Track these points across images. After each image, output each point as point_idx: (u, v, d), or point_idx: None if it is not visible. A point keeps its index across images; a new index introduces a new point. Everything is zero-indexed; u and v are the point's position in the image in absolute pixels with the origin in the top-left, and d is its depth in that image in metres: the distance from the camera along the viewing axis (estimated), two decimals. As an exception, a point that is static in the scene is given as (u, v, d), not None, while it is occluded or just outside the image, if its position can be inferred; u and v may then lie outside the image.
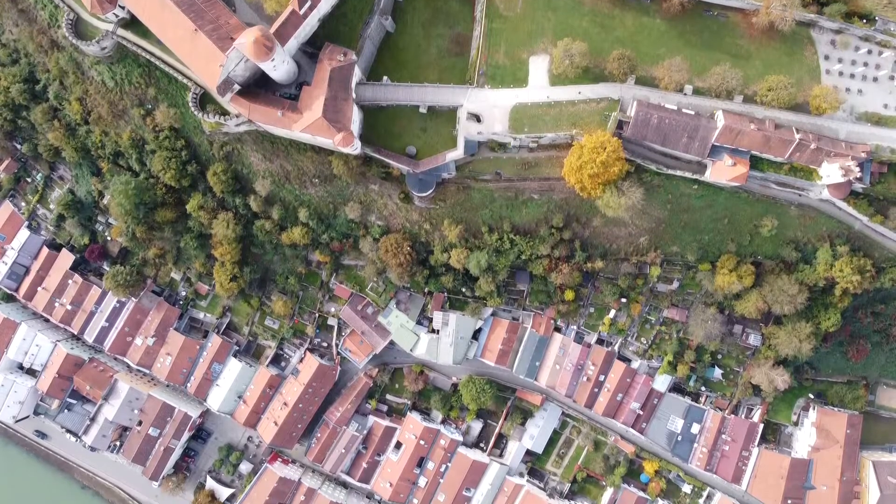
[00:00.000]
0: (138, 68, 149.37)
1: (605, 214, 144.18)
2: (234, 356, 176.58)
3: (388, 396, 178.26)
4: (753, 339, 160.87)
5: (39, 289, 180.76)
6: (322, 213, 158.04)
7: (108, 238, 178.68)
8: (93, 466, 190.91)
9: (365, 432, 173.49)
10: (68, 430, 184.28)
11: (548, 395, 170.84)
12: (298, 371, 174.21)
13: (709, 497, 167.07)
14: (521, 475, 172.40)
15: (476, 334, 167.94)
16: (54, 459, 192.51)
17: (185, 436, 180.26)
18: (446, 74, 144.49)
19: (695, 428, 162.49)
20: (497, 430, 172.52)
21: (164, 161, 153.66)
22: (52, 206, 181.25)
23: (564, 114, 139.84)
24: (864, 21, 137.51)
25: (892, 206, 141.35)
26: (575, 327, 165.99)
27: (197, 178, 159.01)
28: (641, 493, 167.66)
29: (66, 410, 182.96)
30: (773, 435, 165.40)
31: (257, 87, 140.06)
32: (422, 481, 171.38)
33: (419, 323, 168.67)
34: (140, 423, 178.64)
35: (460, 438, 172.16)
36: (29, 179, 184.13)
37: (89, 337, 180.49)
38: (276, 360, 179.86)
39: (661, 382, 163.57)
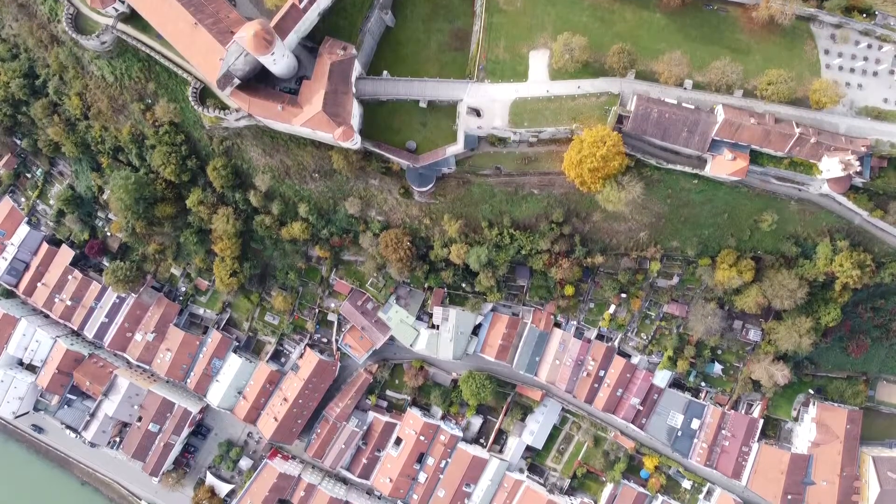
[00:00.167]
0: (138, 63, 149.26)
1: (605, 209, 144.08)
2: (234, 352, 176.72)
3: (388, 392, 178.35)
4: (753, 335, 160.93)
5: (39, 284, 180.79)
6: (322, 208, 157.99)
7: (108, 234, 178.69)
8: (92, 462, 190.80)
9: (365, 428, 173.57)
10: (68, 426, 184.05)
11: (548, 390, 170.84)
12: (298, 367, 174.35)
13: (709, 493, 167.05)
14: (521, 471, 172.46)
15: (476, 330, 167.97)
16: (54, 455, 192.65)
17: (185, 431, 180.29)
18: (446, 69, 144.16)
19: (695, 423, 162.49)
20: (497, 426, 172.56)
21: (164, 156, 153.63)
22: (51, 202, 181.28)
23: (564, 108, 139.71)
24: (864, 15, 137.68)
25: (892, 201, 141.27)
26: (575, 322, 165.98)
27: (197, 174, 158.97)
28: (641, 489, 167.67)
29: (65, 406, 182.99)
30: (773, 430, 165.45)
31: (257, 81, 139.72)
32: (422, 477, 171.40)
33: (419, 318, 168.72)
34: (140, 418, 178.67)
35: (460, 434, 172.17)
36: (29, 175, 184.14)
37: (89, 333, 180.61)
38: (276, 355, 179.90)
39: (661, 378, 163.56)
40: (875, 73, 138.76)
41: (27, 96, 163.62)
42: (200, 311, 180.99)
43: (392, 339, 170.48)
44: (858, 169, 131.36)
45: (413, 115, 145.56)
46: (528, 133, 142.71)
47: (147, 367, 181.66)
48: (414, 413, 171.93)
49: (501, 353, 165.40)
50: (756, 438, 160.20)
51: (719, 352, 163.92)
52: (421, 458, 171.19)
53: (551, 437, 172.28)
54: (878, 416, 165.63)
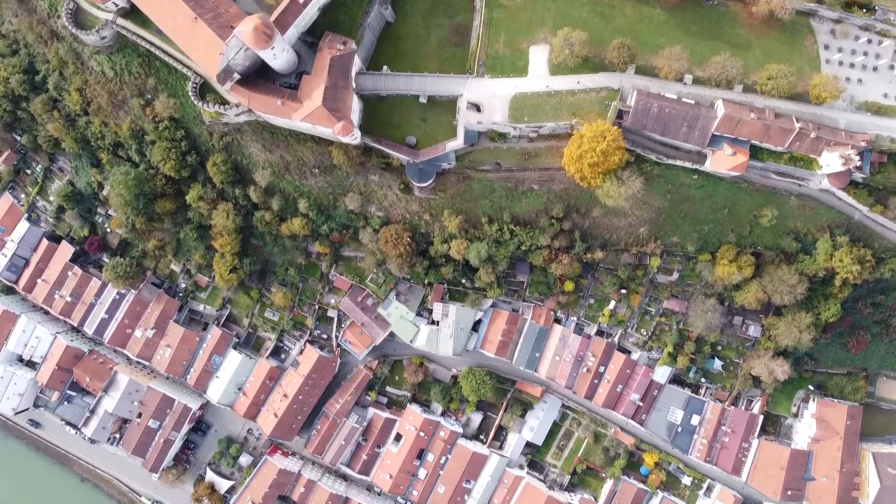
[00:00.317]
0: (138, 58, 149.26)
1: (604, 205, 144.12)
2: (234, 348, 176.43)
3: (388, 388, 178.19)
4: (753, 331, 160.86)
5: (39, 281, 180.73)
6: (322, 203, 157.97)
7: (108, 230, 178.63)
8: (92, 459, 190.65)
9: (365, 424, 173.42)
10: (68, 423, 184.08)
11: (548, 386, 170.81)
12: (298, 363, 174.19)
13: (709, 489, 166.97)
14: (521, 467, 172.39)
15: (476, 326, 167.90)
16: (54, 452, 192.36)
17: (185, 428, 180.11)
18: (446, 64, 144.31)
19: (695, 419, 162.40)
20: (497, 422, 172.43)
21: (164, 152, 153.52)
22: (51, 198, 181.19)
23: (564, 103, 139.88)
24: (864, 10, 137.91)
25: (892, 196, 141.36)
26: (575, 318, 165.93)
27: (196, 169, 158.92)
28: (641, 485, 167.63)
29: (65, 402, 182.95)
30: (773, 426, 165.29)
31: (257, 76, 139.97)
32: (422, 473, 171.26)
33: (419, 314, 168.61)
34: (140, 415, 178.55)
35: (460, 430, 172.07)
36: (28, 171, 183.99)
37: (89, 329, 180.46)
38: (276, 351, 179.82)
39: (661, 374, 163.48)
40: (875, 69, 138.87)
41: (27, 92, 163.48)
42: (200, 308, 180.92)
43: (392, 335, 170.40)
44: (858, 164, 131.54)
45: (413, 110, 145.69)
46: (528, 128, 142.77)
47: (147, 364, 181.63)
48: (414, 409, 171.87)
49: (501, 349, 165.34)
50: (756, 434, 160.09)
51: (719, 348, 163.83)
52: (421, 455, 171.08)
53: (551, 434, 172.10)
54: (878, 412, 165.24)
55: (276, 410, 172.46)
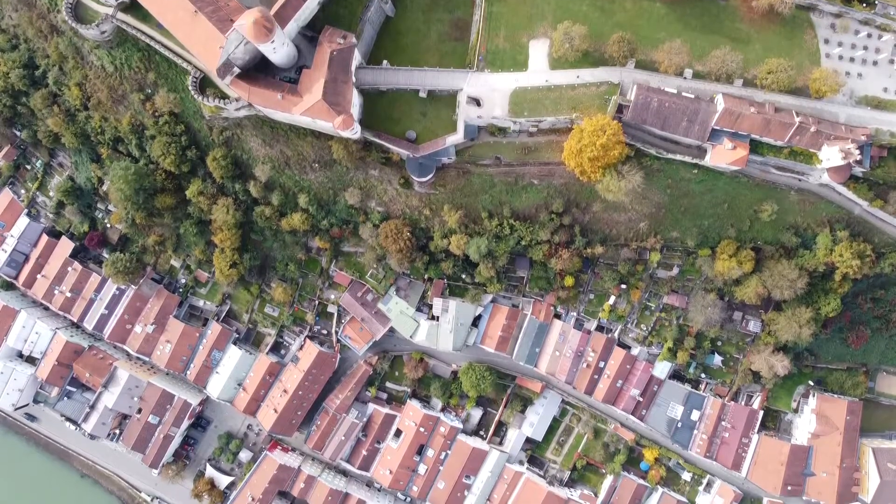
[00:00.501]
0: (138, 52, 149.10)
1: (604, 199, 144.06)
2: (234, 344, 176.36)
3: (388, 384, 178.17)
4: (753, 326, 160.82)
5: (39, 276, 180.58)
6: (322, 198, 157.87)
7: (108, 225, 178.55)
8: (92, 455, 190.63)
9: (365, 420, 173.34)
10: (68, 418, 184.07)
11: (547, 381, 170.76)
12: (298, 358, 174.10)
13: (708, 484, 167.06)
14: (521, 463, 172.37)
15: (476, 321, 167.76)
16: (53, 448, 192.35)
17: (185, 423, 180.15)
18: (446, 59, 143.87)
19: (695, 415, 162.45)
20: (497, 418, 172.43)
21: (164, 146, 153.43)
22: (51, 194, 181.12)
23: (564, 98, 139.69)
24: (864, 5, 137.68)
25: (892, 191, 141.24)
26: (575, 314, 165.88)
27: (196, 164, 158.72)
28: (641, 481, 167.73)
29: (65, 398, 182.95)
30: (772, 422, 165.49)
31: (257, 71, 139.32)
32: (422, 469, 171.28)
33: (419, 310, 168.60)
34: (140, 410, 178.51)
35: (460, 426, 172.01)
36: (28, 167, 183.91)
37: (89, 324, 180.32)
38: (276, 347, 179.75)
39: (661, 369, 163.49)
40: (875, 63, 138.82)
41: (27, 87, 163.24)
42: (200, 303, 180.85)
43: (392, 330, 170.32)
44: (858, 158, 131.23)
45: (413, 104, 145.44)
46: (528, 123, 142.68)
47: (147, 359, 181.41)
48: (414, 405, 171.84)
49: (501, 345, 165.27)
50: (756, 430, 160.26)
51: (719, 343, 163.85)
52: (421, 450, 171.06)
53: (551, 429, 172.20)
54: (877, 407, 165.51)
55: (276, 406, 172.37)
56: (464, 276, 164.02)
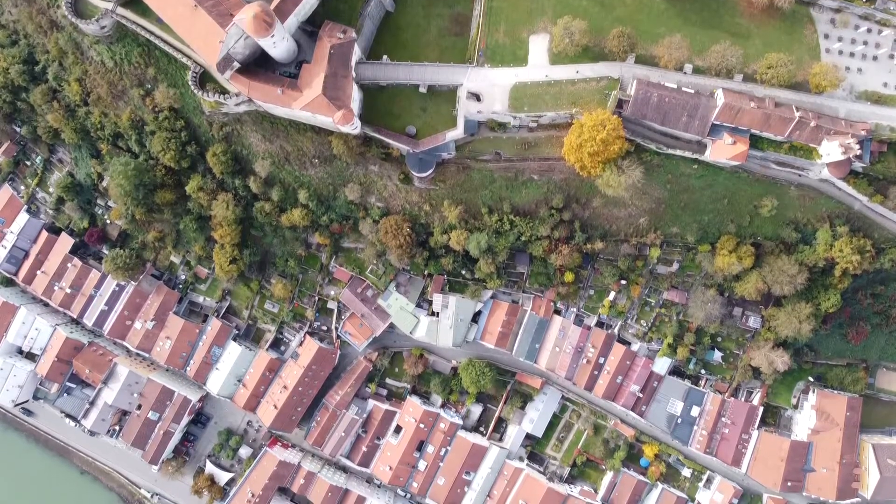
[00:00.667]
0: (138, 48, 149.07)
1: (604, 195, 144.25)
2: (234, 340, 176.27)
3: (388, 380, 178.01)
4: (753, 322, 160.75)
5: (39, 272, 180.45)
6: (322, 194, 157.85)
7: (108, 221, 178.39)
8: (92, 451, 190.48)
9: (364, 416, 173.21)
10: (67, 415, 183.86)
11: (547, 377, 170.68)
12: (298, 354, 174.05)
13: (708, 480, 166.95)
14: (521, 459, 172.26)
15: (476, 317, 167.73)
16: (53, 444, 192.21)
17: (185, 420, 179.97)
18: (446, 54, 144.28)
19: (694, 411, 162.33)
20: (497, 414, 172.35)
21: (164, 142, 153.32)
22: (51, 190, 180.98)
23: (564, 93, 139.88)
24: (864, 0, 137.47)
25: (892, 186, 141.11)
26: (575, 310, 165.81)
27: (196, 160, 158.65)
28: (641, 477, 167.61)
29: (65, 394, 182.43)
30: (772, 418, 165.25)
31: (257, 66, 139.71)
32: (421, 465, 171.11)
33: (419, 306, 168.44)
34: (139, 406, 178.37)
35: (460, 422, 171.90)
36: (28, 163, 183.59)
37: (88, 321, 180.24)
38: (276, 343, 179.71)
39: (661, 365, 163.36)
40: (875, 58, 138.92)
41: (26, 82, 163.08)
42: (200, 299, 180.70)
43: (392, 326, 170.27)
44: (858, 152, 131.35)
45: (413, 99, 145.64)
46: (528, 118, 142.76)
47: (147, 355, 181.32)
48: (414, 401, 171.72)
49: (501, 341, 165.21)
50: (756, 426, 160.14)
51: (719, 339, 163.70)
52: (421, 446, 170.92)
53: (551, 426, 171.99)
54: (877, 403, 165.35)
55: (276, 402, 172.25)
56: (464, 272, 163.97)
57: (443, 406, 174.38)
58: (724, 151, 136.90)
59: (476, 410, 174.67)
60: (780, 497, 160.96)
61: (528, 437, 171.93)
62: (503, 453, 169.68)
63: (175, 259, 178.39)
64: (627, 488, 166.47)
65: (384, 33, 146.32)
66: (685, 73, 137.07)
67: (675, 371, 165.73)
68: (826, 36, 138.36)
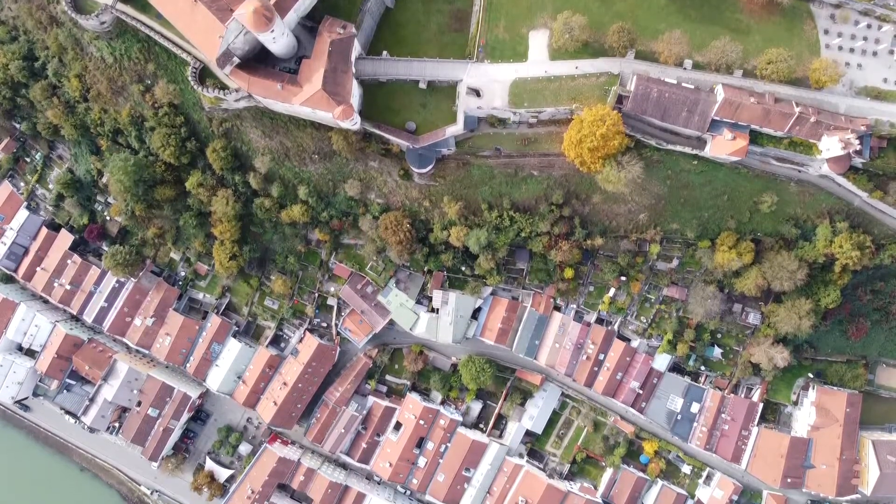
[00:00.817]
0: (137, 43, 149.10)
1: (604, 191, 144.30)
2: (234, 336, 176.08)
3: (388, 377, 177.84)
4: (753, 318, 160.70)
5: (38, 269, 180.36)
6: (321, 190, 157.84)
7: (108, 218, 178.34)
8: (92, 448, 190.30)
9: (364, 413, 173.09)
10: (67, 412, 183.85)
11: (547, 374, 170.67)
12: (298, 351, 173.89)
13: (708, 477, 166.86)
14: (521, 456, 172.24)
15: (475, 313, 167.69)
16: (53, 441, 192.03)
17: (185, 416, 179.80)
18: (446, 50, 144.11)
19: (694, 407, 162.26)
20: (497, 411, 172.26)
21: (164, 138, 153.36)
22: (51, 186, 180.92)
23: (564, 88, 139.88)
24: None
25: (892, 182, 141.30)
26: (574, 306, 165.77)
27: (196, 156, 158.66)
28: (641, 474, 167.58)
29: (64, 391, 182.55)
30: (772, 414, 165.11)
31: (257, 61, 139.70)
32: (421, 461, 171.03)
33: (419, 302, 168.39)
34: (139, 403, 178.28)
35: (460, 419, 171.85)
36: (28, 159, 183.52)
37: (88, 317, 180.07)
38: (276, 340, 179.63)
39: (661, 361, 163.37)
40: (875, 53, 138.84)
41: (26, 79, 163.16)
42: (200, 296, 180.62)
43: (392, 323, 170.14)
44: (858, 148, 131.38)
45: (413, 95, 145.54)
46: (528, 113, 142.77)
47: (146, 352, 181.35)
48: (413, 398, 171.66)
49: (501, 337, 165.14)
50: (756, 422, 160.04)
51: (719, 335, 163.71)
52: (420, 443, 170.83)
53: (551, 422, 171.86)
54: (877, 400, 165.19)
55: (276, 399, 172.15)
56: (463, 268, 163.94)
57: (443, 403, 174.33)
58: (723, 147, 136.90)
59: (476, 407, 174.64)
60: (780, 493, 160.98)
61: (528, 433, 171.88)
62: (503, 450, 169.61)
63: (175, 255, 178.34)
64: (627, 485, 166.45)
65: (384, 29, 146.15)
66: (685, 68, 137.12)
67: (675, 367, 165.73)
68: (826, 31, 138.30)
